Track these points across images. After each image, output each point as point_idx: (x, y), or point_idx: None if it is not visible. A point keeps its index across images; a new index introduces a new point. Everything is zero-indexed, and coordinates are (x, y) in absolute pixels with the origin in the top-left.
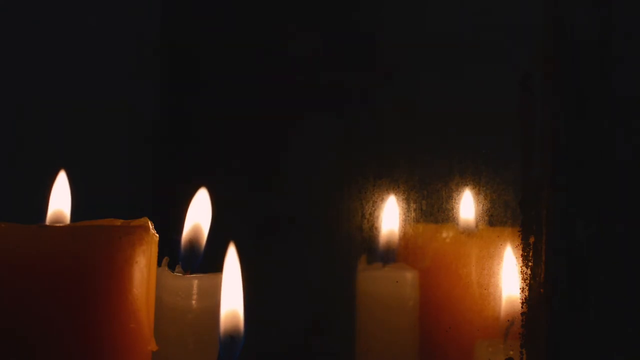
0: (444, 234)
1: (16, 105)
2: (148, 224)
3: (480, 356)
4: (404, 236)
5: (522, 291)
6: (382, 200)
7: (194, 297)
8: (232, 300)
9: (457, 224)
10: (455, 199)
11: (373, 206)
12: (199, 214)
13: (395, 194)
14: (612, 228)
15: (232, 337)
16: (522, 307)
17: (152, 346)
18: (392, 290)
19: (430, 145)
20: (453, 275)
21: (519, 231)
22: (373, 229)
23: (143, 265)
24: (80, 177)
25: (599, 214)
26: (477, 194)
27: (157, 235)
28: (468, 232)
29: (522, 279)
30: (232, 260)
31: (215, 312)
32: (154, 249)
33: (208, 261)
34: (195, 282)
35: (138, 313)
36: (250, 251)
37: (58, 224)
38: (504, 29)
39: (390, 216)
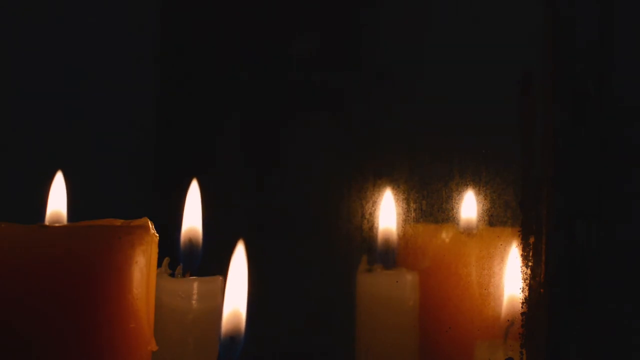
0: (444, 234)
1: (16, 105)
2: (148, 224)
3: (480, 356)
4: (404, 236)
5: (522, 291)
6: (382, 200)
7: (194, 297)
8: (235, 300)
9: (457, 224)
10: (455, 199)
11: (373, 206)
12: (195, 211)
13: (395, 194)
14: (612, 228)
15: (232, 337)
16: (522, 307)
17: (152, 346)
18: (392, 290)
19: (430, 145)
20: (453, 276)
21: (519, 231)
22: (373, 229)
23: (143, 265)
24: (81, 177)
25: (599, 214)
26: (477, 194)
27: (157, 235)
28: (468, 232)
29: (522, 279)
30: (239, 258)
31: (216, 313)
32: (154, 249)
33: (209, 260)
34: (195, 283)
35: (138, 313)
36: (250, 252)
37: (57, 224)
38: (504, 29)
39: (388, 212)
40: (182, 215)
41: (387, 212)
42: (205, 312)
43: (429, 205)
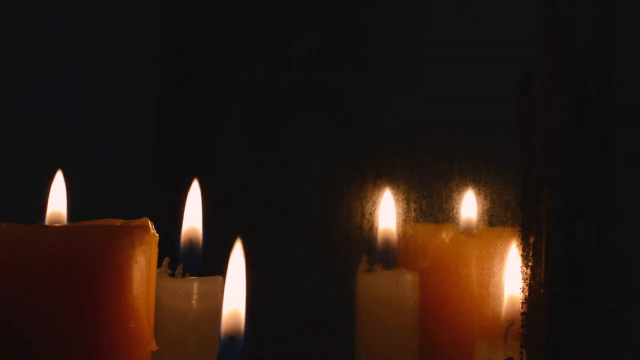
0: (444, 234)
1: (16, 105)
2: (148, 224)
3: (480, 356)
4: (404, 236)
5: (522, 291)
6: (382, 200)
7: (194, 297)
8: (234, 300)
9: (457, 224)
10: (455, 199)
11: (373, 206)
12: (195, 211)
13: (395, 194)
14: (612, 228)
15: (232, 337)
16: (522, 307)
17: (152, 346)
18: (392, 290)
19: (430, 145)
20: (453, 276)
21: (519, 231)
22: (373, 229)
23: (143, 265)
24: (81, 177)
25: (599, 214)
26: (477, 194)
27: (157, 235)
28: (468, 232)
29: (522, 279)
30: (238, 256)
31: (215, 313)
32: (154, 249)
33: (209, 259)
34: (195, 283)
35: (138, 313)
36: (250, 252)
37: (57, 224)
38: (504, 29)
39: (388, 212)
40: (183, 215)
41: (387, 212)
42: (205, 312)
43: (429, 205)
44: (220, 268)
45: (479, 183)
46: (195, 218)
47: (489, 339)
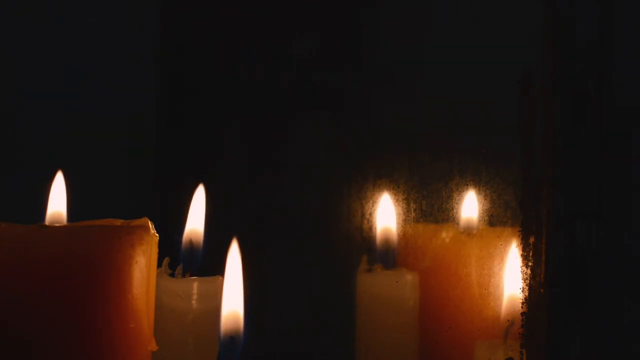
0: (444, 234)
1: (16, 105)
2: (148, 224)
3: (480, 356)
4: (404, 236)
5: (522, 291)
6: (382, 200)
7: (194, 297)
8: (233, 301)
9: (457, 224)
10: (455, 199)
11: (373, 206)
12: (198, 213)
13: (395, 194)
14: (612, 228)
15: (232, 337)
16: (522, 307)
17: (152, 346)
18: (392, 290)
19: (430, 145)
20: (453, 276)
21: (519, 231)
22: (373, 229)
23: (143, 265)
24: (81, 177)
25: (599, 214)
26: (477, 194)
27: (157, 235)
28: (468, 232)
29: (522, 279)
30: (234, 256)
31: (215, 313)
32: (154, 249)
33: (209, 259)
34: (195, 283)
35: (138, 313)
36: (249, 252)
37: (57, 224)
38: (504, 29)
39: (385, 214)
40: (184, 216)
41: (387, 212)
42: (205, 312)
43: (429, 205)
44: (220, 268)
45: (479, 183)
46: (198, 220)
47: (489, 339)
